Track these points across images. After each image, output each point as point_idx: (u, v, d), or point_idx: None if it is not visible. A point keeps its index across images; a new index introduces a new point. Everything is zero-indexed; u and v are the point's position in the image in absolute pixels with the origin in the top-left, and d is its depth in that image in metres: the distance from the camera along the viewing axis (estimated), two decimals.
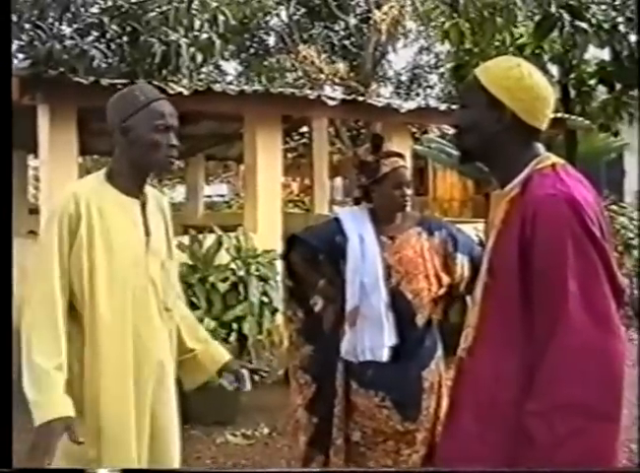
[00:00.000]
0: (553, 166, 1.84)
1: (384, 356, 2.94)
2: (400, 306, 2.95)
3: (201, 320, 4.90)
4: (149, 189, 2.52)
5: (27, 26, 6.09)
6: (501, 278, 1.83)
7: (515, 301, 1.77)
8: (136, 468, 2.34)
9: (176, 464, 2.52)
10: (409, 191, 3.03)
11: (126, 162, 2.39)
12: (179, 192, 18.27)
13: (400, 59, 24.08)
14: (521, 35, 8.00)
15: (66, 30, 6.29)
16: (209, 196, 18.04)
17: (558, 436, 1.63)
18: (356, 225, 3.04)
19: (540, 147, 1.93)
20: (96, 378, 2.31)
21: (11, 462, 1.69)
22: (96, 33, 6.27)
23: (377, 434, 2.96)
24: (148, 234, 2.42)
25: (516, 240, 1.76)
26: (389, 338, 2.94)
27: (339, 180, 19.47)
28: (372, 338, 2.95)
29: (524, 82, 1.86)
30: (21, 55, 6.12)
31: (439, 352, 3.09)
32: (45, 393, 2.16)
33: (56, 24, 6.22)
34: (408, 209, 3.09)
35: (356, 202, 3.18)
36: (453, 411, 2.01)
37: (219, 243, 5.40)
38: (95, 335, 2.31)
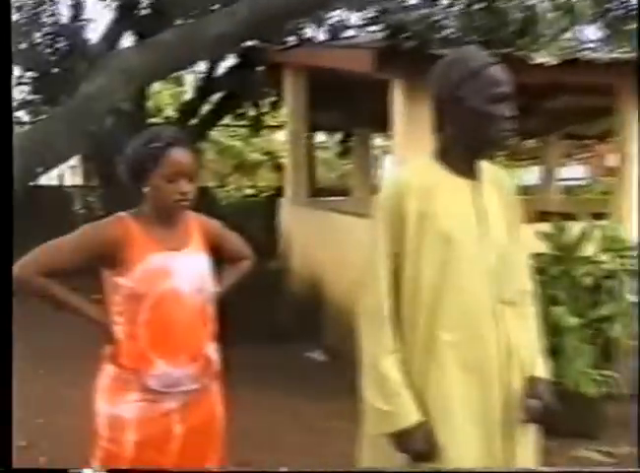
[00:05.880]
0: None
1: None
2: None
3: (561, 317, 4.37)
4: (486, 167, 2.25)
5: None
6: None
7: None
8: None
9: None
10: None
11: (457, 137, 2.18)
12: (533, 174, 17.36)
13: None
14: None
15: None
16: (564, 179, 16.88)
17: None
18: None
19: None
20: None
21: (11, 462, 1.70)
22: (445, 2, 5.99)
23: None
24: (481, 218, 2.16)
25: None
26: None
27: None
28: None
29: None
30: (374, 27, 6.12)
31: None
32: (390, 399, 2.06)
33: None
34: None
35: None
36: None
37: (584, 233, 4.77)
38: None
